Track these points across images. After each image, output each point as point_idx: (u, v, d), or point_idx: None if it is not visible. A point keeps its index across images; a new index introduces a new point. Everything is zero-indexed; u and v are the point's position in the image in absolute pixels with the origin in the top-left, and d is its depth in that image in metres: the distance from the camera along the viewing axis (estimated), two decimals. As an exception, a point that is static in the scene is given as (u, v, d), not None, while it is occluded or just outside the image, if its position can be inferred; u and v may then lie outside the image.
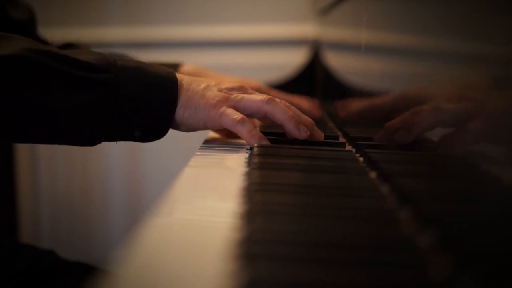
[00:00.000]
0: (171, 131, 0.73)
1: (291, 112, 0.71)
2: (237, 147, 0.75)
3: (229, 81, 0.74)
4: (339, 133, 0.88)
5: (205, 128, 0.73)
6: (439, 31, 0.65)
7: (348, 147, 0.75)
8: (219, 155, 0.71)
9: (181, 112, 0.71)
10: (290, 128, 0.71)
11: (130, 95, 0.69)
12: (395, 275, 0.33)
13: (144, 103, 0.69)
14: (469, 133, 0.62)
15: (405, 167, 0.61)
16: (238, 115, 0.70)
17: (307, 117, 0.74)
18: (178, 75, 0.73)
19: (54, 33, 1.06)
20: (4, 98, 0.65)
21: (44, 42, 1.02)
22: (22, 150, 1.75)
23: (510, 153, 0.46)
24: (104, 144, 0.72)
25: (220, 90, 0.72)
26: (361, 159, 0.66)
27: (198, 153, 0.69)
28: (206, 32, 1.73)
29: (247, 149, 0.72)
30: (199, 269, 0.34)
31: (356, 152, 0.69)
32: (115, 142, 0.72)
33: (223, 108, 0.70)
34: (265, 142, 0.70)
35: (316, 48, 1.44)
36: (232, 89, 0.73)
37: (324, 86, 1.34)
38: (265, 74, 1.41)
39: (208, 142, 0.78)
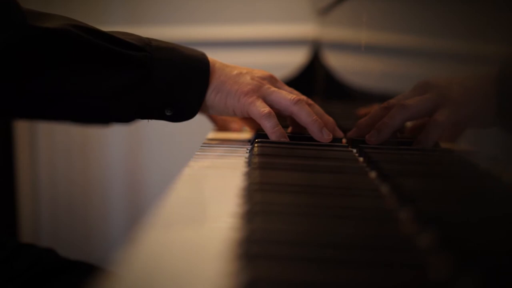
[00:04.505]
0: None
1: (315, 115, 0.72)
2: (237, 147, 0.75)
3: (260, 71, 0.76)
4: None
5: (233, 114, 0.75)
6: (439, 31, 0.65)
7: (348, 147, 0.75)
8: (219, 155, 0.71)
9: (213, 96, 0.73)
10: (314, 131, 0.72)
11: (164, 75, 0.71)
12: (395, 275, 0.33)
13: (177, 83, 0.71)
14: (437, 124, 0.63)
15: (405, 167, 0.61)
16: (265, 109, 0.71)
17: (329, 117, 0.76)
18: (211, 59, 0.74)
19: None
20: (46, 71, 0.67)
21: None
22: (22, 150, 1.75)
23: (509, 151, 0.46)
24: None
25: (252, 78, 0.74)
26: (361, 159, 0.66)
27: (198, 153, 0.69)
28: (206, 32, 1.73)
29: (247, 149, 0.72)
30: (199, 269, 0.34)
31: (356, 152, 0.69)
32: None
33: (253, 98, 0.72)
34: (284, 139, 0.72)
35: (316, 48, 1.44)
36: (264, 79, 0.75)
37: (324, 86, 1.34)
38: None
39: (208, 142, 0.78)
